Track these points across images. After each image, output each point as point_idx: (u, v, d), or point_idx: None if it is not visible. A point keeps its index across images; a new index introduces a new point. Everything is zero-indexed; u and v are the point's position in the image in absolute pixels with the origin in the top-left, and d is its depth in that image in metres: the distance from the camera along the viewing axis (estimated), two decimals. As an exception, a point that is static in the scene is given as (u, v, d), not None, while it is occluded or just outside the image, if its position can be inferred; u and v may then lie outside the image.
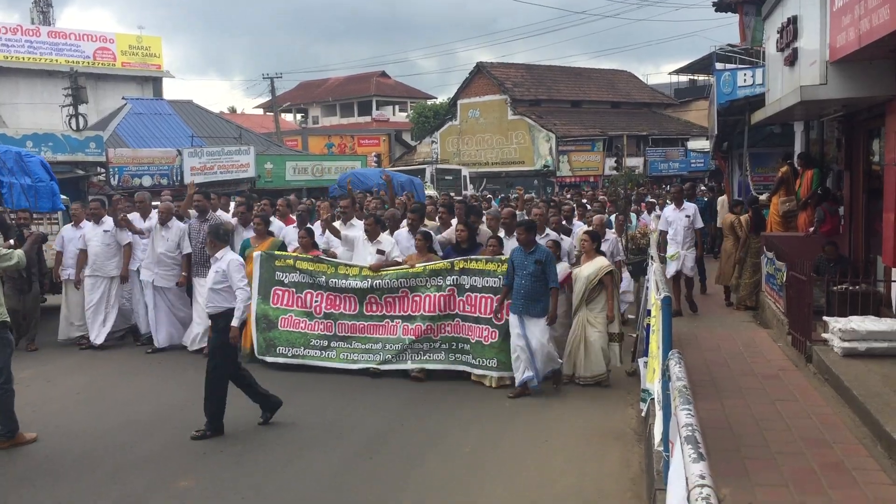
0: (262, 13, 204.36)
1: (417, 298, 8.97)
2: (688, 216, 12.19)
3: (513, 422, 7.27)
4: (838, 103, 9.81)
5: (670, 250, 12.19)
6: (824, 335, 8.25)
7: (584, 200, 16.84)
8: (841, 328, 7.89)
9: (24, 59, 36.68)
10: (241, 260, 7.48)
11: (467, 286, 8.75)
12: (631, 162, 41.77)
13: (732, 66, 19.19)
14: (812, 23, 9.22)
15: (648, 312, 7.36)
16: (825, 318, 8.45)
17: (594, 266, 8.47)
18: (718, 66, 19.49)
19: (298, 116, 70.12)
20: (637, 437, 6.75)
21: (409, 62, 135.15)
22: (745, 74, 17.11)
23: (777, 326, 10.26)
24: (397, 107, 69.20)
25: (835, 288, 8.97)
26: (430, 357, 8.84)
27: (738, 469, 5.58)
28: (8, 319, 6.89)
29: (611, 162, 41.44)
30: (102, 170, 24.86)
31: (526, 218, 9.27)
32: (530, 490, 5.76)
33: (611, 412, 7.52)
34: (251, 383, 7.24)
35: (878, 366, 7.43)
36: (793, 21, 10.01)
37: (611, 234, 10.54)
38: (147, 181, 26.09)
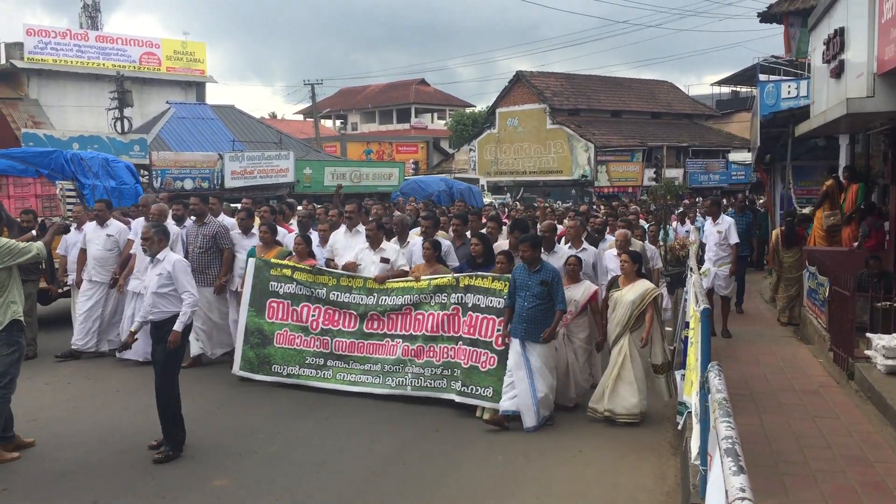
0: (304, 19, 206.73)
1: (420, 317, 8.21)
2: (720, 231, 11.43)
3: (545, 431, 7.21)
4: (885, 116, 9.62)
5: (704, 266, 11.46)
6: (867, 352, 8.09)
7: (610, 211, 16.49)
8: (885, 345, 7.74)
9: (72, 62, 37.44)
10: (187, 262, 7.03)
11: (470, 305, 7.89)
12: (670, 173, 41.30)
13: (776, 77, 18.94)
14: (860, 34, 9.07)
15: (687, 325, 7.28)
16: (868, 334, 8.29)
17: (639, 290, 7.61)
18: (762, 77, 19.26)
19: (338, 123, 70.71)
20: (672, 451, 6.67)
21: (449, 70, 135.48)
22: (789, 86, 16.85)
23: (818, 342, 10.07)
24: (436, 114, 69.42)
25: (878, 304, 8.80)
26: (430, 384, 8.06)
27: (777, 486, 5.49)
28: (21, 318, 6.54)
29: (650, 173, 41.13)
30: (146, 172, 25.28)
31: (531, 233, 8.25)
32: (562, 501, 5.71)
33: (646, 424, 7.43)
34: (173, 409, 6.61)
35: (923, 385, 7.26)
36: (840, 33, 9.85)
37: (649, 246, 10.20)
38: (189, 184, 26.43)
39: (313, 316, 8.68)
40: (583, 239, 8.97)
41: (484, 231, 9.14)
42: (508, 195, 37.45)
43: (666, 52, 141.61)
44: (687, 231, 14.25)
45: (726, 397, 3.39)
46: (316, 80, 46.73)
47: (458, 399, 7.79)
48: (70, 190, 12.71)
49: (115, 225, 10.29)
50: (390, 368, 8.22)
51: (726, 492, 2.26)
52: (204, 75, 43.06)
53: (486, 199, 28.36)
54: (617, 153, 44.05)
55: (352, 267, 8.69)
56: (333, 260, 9.10)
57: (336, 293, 8.62)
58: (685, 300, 8.35)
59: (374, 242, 8.73)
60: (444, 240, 9.07)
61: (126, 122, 30.49)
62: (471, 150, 49.76)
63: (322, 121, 58.29)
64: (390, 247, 8.86)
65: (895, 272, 10.44)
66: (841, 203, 12.21)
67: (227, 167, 28.18)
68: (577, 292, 7.84)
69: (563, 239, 9.30)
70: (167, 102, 36.93)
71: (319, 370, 8.55)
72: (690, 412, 5.80)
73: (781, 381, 8.57)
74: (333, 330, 8.58)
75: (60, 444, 6.79)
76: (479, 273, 7.92)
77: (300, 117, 68.51)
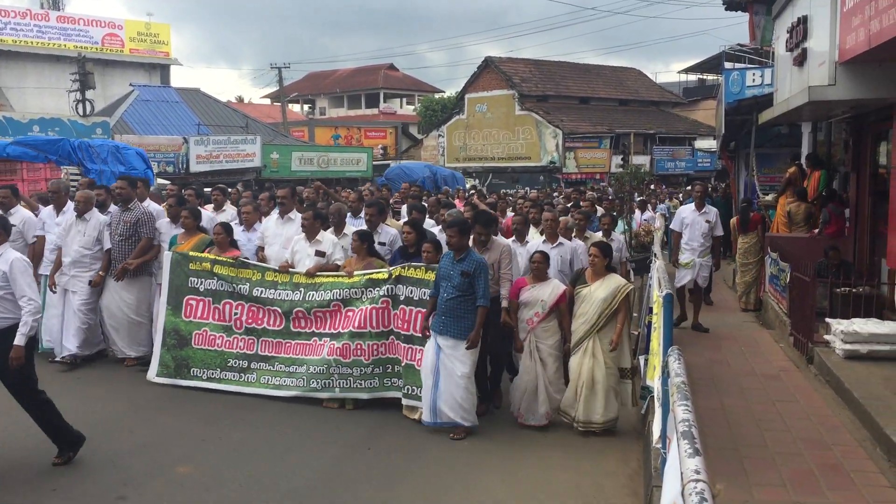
0: (272, 2, 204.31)
1: (350, 313, 7.51)
2: (708, 221, 10.81)
3: (510, 417, 7.25)
4: (846, 105, 9.76)
5: (684, 257, 10.89)
6: (826, 337, 8.24)
7: (561, 197, 15.37)
8: (843, 330, 7.88)
9: (32, 43, 36.75)
10: (28, 261, 6.01)
11: (402, 297, 7.30)
12: (638, 160, 41.59)
13: (742, 65, 19.10)
14: (822, 23, 9.17)
15: (650, 310, 7.35)
16: (828, 319, 8.44)
17: (610, 286, 6.96)
18: (727, 65, 19.40)
19: (306, 107, 70.14)
20: (636, 435, 6.75)
21: (418, 55, 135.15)
22: (753, 74, 17.00)
23: (779, 327, 10.23)
24: (405, 100, 69.14)
25: (838, 290, 8.95)
26: (360, 384, 7.43)
27: (737, 468, 5.58)
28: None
29: (617, 160, 41.37)
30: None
31: (460, 218, 7.54)
32: (528, 485, 5.76)
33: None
34: (48, 414, 5.97)
35: (880, 368, 7.41)
36: (803, 21, 9.96)
37: (617, 236, 9.87)
38: (153, 168, 26.09)
39: (236, 314, 7.95)
40: (559, 233, 8.32)
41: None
42: (477, 181, 37.39)
43: (634, 39, 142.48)
44: (646, 219, 14.27)
45: (685, 381, 3.43)
46: (283, 63, 46.22)
47: (400, 398, 7.32)
48: (75, 174, 13.48)
49: (20, 213, 9.16)
50: (315, 370, 7.52)
51: (682, 474, 2.29)
52: (168, 57, 42.50)
53: (469, 183, 28.23)
54: (585, 140, 44.24)
55: (283, 268, 7.92)
56: (264, 249, 8.53)
57: (260, 289, 7.89)
58: (649, 286, 8.42)
59: (309, 233, 7.99)
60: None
61: (88, 104, 29.99)
62: (439, 135, 49.65)
63: (290, 105, 57.76)
64: (327, 238, 8.08)
65: (854, 258, 10.64)
66: (804, 189, 12.37)
67: (193, 151, 27.88)
68: (545, 292, 7.08)
69: (543, 233, 8.44)
70: (130, 85, 36.42)
71: (243, 373, 7.84)
72: (653, 396, 5.86)
73: (743, 366, 8.70)
74: (258, 329, 7.87)
75: (15, 435, 6.68)
76: (410, 263, 7.32)
77: (268, 101, 67.82)
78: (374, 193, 12.88)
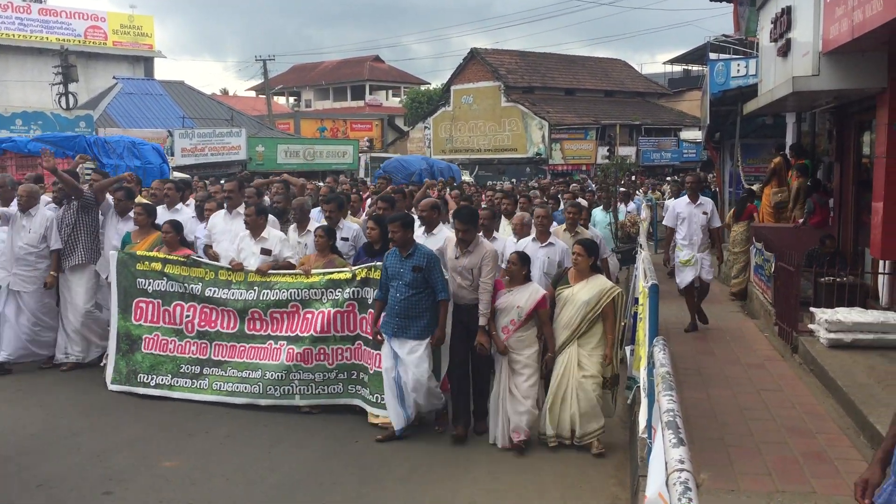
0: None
1: (310, 315, 7.12)
2: (705, 213, 9.93)
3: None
4: (830, 95, 9.79)
5: (684, 254, 9.95)
6: (811, 326, 8.29)
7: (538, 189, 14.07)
8: (827, 319, 7.93)
9: (14, 36, 36.36)
10: None
11: (370, 301, 6.90)
12: (623, 151, 41.73)
13: (726, 56, 19.18)
14: (806, 13, 9.20)
15: (636, 301, 7.37)
16: (812, 309, 8.49)
17: (594, 289, 6.34)
18: (712, 56, 19.52)
19: (291, 100, 69.79)
20: (622, 425, 6.77)
21: (403, 47, 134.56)
22: (738, 65, 17.05)
23: (764, 317, 10.29)
24: (391, 92, 68.93)
25: (822, 279, 9.00)
26: (323, 390, 7.09)
27: (722, 457, 5.61)
28: None
29: (603, 151, 41.46)
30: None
31: (401, 212, 7.27)
32: (513, 475, 5.78)
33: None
34: None
35: (864, 357, 7.47)
36: (787, 11, 9.99)
37: (595, 231, 9.24)
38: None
39: (188, 316, 7.50)
40: (551, 231, 7.84)
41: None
42: (470, 176, 37.34)
43: (620, 30, 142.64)
44: (629, 210, 14.24)
45: (670, 371, 3.44)
46: (268, 55, 45.95)
47: (365, 407, 6.93)
48: (90, 168, 13.95)
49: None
50: (273, 376, 7.14)
51: (666, 463, 2.30)
52: (152, 50, 42.18)
53: (465, 178, 27.83)
54: (571, 131, 44.31)
55: (237, 266, 7.45)
56: (212, 247, 8.13)
57: (213, 288, 7.43)
58: (635, 276, 8.44)
59: (254, 230, 7.54)
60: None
61: (71, 97, 29.73)
62: (426, 127, 49.58)
63: (275, 98, 57.52)
64: (274, 235, 7.62)
65: (838, 248, 10.69)
66: (788, 180, 12.44)
67: (177, 144, 27.71)
68: (522, 297, 6.38)
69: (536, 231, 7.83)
70: (114, 78, 36.13)
71: (195, 379, 7.42)
72: (639, 387, 5.89)
73: (728, 356, 8.74)
74: (211, 332, 7.44)
75: None
76: (376, 264, 6.82)
77: (253, 94, 67.44)
78: (352, 185, 12.50)
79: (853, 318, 7.86)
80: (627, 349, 7.12)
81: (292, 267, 7.40)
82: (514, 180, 28.60)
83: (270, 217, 8.10)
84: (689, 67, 51.61)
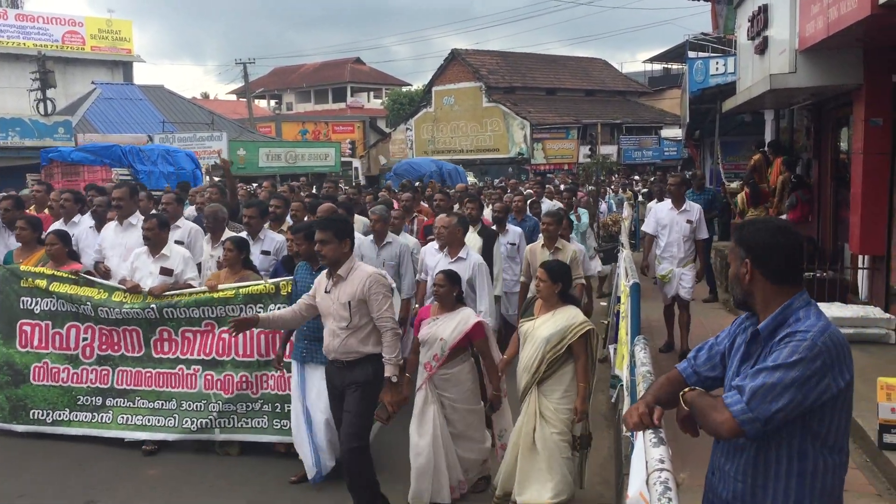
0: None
1: (226, 335, 6.12)
2: (689, 221, 8.51)
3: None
4: (807, 92, 9.88)
5: (661, 268, 8.63)
6: (791, 320, 8.32)
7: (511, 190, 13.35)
8: (807, 314, 7.96)
9: (-10, 42, 36.00)
10: None
11: None
12: (605, 150, 41.90)
13: (705, 54, 19.31)
14: (782, 11, 9.28)
15: (618, 299, 7.40)
16: (792, 304, 8.51)
17: (559, 322, 5.04)
18: (691, 54, 19.63)
19: (272, 103, 69.58)
20: (606, 423, 6.79)
21: (384, 48, 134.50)
22: (716, 63, 17.21)
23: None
24: (372, 93, 68.86)
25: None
26: (246, 424, 6.16)
27: (702, 457, 5.59)
28: None
29: (585, 150, 41.60)
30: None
31: (304, 223, 6.31)
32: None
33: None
34: None
35: (844, 351, 7.51)
36: (763, 10, 10.07)
37: (578, 246, 8.01)
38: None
39: (85, 339, 6.53)
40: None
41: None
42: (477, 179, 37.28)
43: (599, 29, 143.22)
44: (601, 211, 14.14)
45: (651, 370, 3.46)
46: (248, 59, 45.84)
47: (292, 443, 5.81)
48: (125, 175, 15.13)
49: None
50: (190, 406, 6.27)
51: (646, 463, 2.31)
52: (131, 54, 41.84)
53: (470, 179, 27.55)
54: (552, 131, 44.41)
55: (134, 288, 6.37)
56: (103, 263, 7.09)
57: (107, 308, 6.37)
58: (617, 275, 8.46)
59: (153, 246, 6.50)
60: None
61: (49, 103, 29.47)
62: (407, 129, 49.56)
63: (256, 101, 57.33)
64: (177, 253, 6.58)
65: (818, 244, 10.79)
66: (767, 176, 12.52)
67: (158, 149, 27.51)
68: (447, 327, 5.25)
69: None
70: (92, 83, 35.86)
71: (96, 412, 6.46)
72: (622, 385, 5.91)
73: (711, 352, 8.74)
74: (115, 356, 6.48)
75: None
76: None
77: (233, 97, 67.15)
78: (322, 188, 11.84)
79: (833, 313, 7.91)
80: (611, 347, 7.16)
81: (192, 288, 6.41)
82: (496, 180, 28.46)
83: (194, 227, 7.35)
84: (669, 66, 51.88)
